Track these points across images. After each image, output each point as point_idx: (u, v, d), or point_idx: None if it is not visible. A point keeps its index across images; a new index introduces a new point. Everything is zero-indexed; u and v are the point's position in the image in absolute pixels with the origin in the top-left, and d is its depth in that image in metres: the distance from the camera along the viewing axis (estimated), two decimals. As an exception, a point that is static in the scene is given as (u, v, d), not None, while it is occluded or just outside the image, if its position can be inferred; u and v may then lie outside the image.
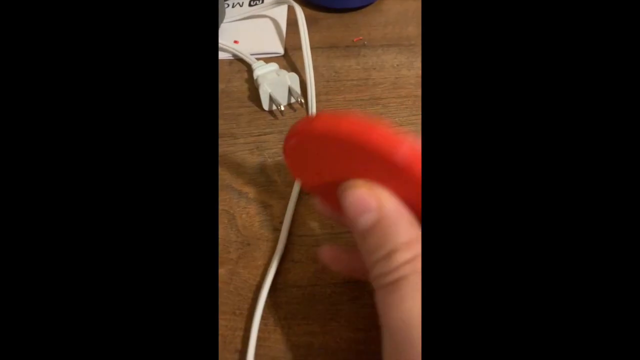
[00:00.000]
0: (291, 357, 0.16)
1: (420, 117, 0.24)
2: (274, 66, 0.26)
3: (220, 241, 0.19)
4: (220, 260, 0.19)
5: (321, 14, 0.32)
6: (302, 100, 0.24)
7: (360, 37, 0.30)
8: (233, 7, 0.32)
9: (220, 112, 0.25)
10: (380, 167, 0.12)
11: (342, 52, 0.29)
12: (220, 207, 0.20)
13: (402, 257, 0.12)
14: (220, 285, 0.18)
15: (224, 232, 0.20)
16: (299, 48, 0.27)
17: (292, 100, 0.25)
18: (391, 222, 0.12)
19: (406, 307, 0.12)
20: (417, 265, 0.12)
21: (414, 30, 0.31)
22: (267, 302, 0.17)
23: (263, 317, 0.17)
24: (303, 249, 0.19)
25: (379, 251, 0.12)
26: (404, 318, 0.12)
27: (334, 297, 0.17)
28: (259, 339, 0.16)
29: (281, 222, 0.20)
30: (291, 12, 0.30)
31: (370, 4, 0.33)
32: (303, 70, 0.26)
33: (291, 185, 0.21)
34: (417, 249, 0.12)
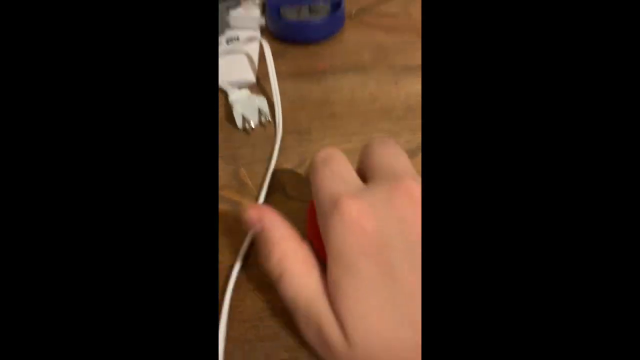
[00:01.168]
0: (260, 316, 0.20)
1: (370, 127, 0.29)
2: (245, 92, 0.30)
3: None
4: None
5: (289, 47, 0.38)
6: (270, 119, 0.29)
7: (325, 65, 0.35)
8: (213, 45, 0.37)
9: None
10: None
11: (306, 78, 0.34)
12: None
13: (275, 257, 0.17)
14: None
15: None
16: (267, 76, 0.32)
17: (262, 119, 0.30)
18: (268, 229, 0.18)
19: (289, 295, 0.17)
20: (286, 263, 0.17)
21: (368, 56, 0.36)
22: (235, 286, 0.21)
23: (234, 289, 0.20)
24: (269, 237, 0.23)
25: (262, 255, 0.18)
26: (290, 305, 0.17)
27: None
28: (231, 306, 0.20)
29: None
30: (263, 47, 0.36)
31: (331, 36, 0.38)
32: (272, 94, 0.31)
33: (261, 187, 0.25)
34: (284, 248, 0.17)
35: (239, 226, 0.23)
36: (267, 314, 0.20)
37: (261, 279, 0.21)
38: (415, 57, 0.36)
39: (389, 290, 0.15)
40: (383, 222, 0.15)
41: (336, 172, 0.18)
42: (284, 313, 0.20)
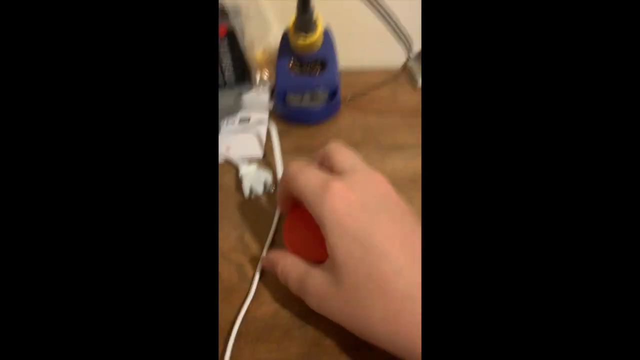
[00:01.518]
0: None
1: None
2: (254, 167, 0.36)
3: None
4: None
5: (293, 128, 0.44)
6: (273, 189, 0.34)
7: (323, 144, 0.41)
8: (227, 125, 0.44)
9: (214, 199, 0.34)
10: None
11: (306, 153, 0.40)
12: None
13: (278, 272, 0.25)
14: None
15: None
16: (273, 152, 0.38)
17: (267, 189, 0.35)
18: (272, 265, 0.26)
19: (293, 280, 0.24)
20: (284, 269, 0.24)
21: (359, 136, 0.42)
22: (238, 330, 0.24)
23: (235, 340, 0.24)
24: (268, 294, 0.26)
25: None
26: (296, 285, 0.24)
27: (288, 326, 0.24)
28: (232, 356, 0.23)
29: (253, 276, 0.27)
30: (270, 128, 0.42)
31: (329, 118, 0.45)
32: (276, 167, 0.36)
33: (261, 250, 0.29)
34: (282, 264, 0.25)
35: (242, 284, 0.27)
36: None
37: (258, 333, 0.24)
38: (399, 137, 0.42)
39: (368, 239, 0.20)
40: (364, 194, 0.21)
41: (312, 171, 0.23)
42: (277, 362, 0.23)
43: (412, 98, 0.51)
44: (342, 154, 0.25)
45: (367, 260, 0.19)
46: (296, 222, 0.26)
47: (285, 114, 0.45)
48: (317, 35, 0.41)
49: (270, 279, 0.27)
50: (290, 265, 0.24)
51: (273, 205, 0.33)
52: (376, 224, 0.20)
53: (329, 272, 0.21)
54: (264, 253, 0.29)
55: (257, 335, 0.24)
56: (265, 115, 0.45)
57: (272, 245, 0.30)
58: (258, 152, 0.39)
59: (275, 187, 0.35)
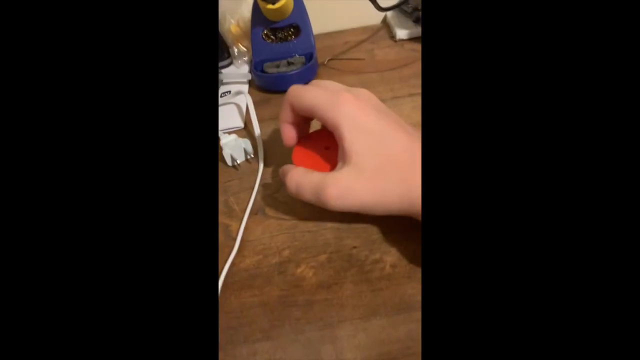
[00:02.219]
0: (242, 309, 0.25)
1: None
2: (233, 136, 0.38)
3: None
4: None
5: (272, 96, 0.45)
6: (252, 156, 0.36)
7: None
8: (209, 100, 0.45)
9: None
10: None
11: (285, 119, 0.41)
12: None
13: (289, 183, 0.28)
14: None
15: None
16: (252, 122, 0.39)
17: (248, 157, 0.37)
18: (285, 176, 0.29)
19: (307, 189, 0.27)
20: (296, 179, 0.28)
21: (337, 97, 0.43)
22: (224, 281, 0.27)
23: (222, 291, 0.26)
24: (251, 248, 0.29)
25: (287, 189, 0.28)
26: (310, 192, 0.27)
27: (268, 273, 0.27)
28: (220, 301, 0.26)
29: (237, 234, 0.30)
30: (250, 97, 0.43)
31: (307, 82, 0.46)
32: (255, 136, 0.38)
33: (244, 212, 0.32)
34: (292, 174, 0.28)
35: (227, 242, 0.29)
36: (247, 307, 0.26)
37: (243, 282, 0.27)
38: (376, 92, 0.42)
39: (380, 130, 0.25)
40: (367, 100, 0.27)
41: (316, 88, 0.27)
42: (258, 306, 0.25)
43: (390, 51, 0.51)
44: (325, 82, 0.29)
45: (382, 146, 0.25)
46: (303, 151, 0.30)
47: (264, 83, 0.46)
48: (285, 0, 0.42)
49: (254, 236, 0.30)
50: (304, 175, 0.27)
51: (254, 172, 0.35)
52: (383, 119, 0.26)
53: (349, 167, 0.25)
54: (245, 219, 0.31)
55: (242, 284, 0.27)
56: (245, 87, 0.46)
57: (254, 209, 0.32)
58: (239, 123, 0.41)
59: (257, 153, 0.37)
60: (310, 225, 0.30)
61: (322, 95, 0.26)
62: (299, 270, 0.27)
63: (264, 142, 0.38)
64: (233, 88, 0.46)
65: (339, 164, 0.26)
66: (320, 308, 0.25)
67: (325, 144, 0.31)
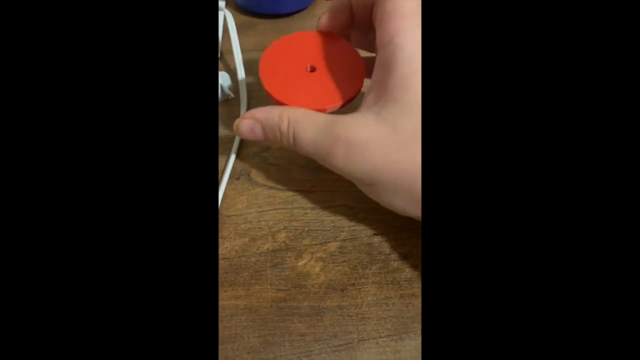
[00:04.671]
0: (220, 318, 0.18)
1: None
2: (207, 67, 0.28)
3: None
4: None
5: (258, 20, 0.35)
6: (232, 96, 0.26)
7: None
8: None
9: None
10: None
11: (275, 53, 0.31)
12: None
13: (283, 130, 0.19)
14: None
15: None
16: (232, 51, 0.29)
17: (226, 96, 0.27)
18: (264, 124, 0.20)
19: (309, 144, 0.18)
20: (292, 126, 0.19)
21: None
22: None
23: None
24: (231, 227, 0.21)
25: (272, 140, 0.20)
26: (313, 148, 0.19)
27: (258, 265, 0.20)
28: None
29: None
30: (226, 19, 0.33)
31: (304, 9, 0.36)
32: (236, 70, 0.28)
33: (221, 174, 0.23)
34: (284, 118, 0.19)
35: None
36: (227, 314, 0.18)
37: (221, 275, 0.19)
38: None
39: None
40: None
41: None
42: (244, 313, 0.18)
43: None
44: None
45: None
46: (276, 73, 0.21)
47: (248, 1, 0.35)
48: None
49: (235, 210, 0.22)
50: (302, 116, 0.18)
51: (234, 118, 0.26)
52: None
53: (377, 115, 0.17)
54: (223, 186, 0.23)
55: (220, 279, 0.19)
56: (221, 4, 0.35)
57: (235, 171, 0.23)
58: (213, 51, 0.31)
59: (238, 92, 0.27)
60: (315, 199, 0.22)
61: None
62: (300, 262, 0.20)
63: (248, 80, 0.28)
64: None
65: (370, 98, 0.18)
66: (332, 319, 0.18)
67: (309, 63, 0.21)
